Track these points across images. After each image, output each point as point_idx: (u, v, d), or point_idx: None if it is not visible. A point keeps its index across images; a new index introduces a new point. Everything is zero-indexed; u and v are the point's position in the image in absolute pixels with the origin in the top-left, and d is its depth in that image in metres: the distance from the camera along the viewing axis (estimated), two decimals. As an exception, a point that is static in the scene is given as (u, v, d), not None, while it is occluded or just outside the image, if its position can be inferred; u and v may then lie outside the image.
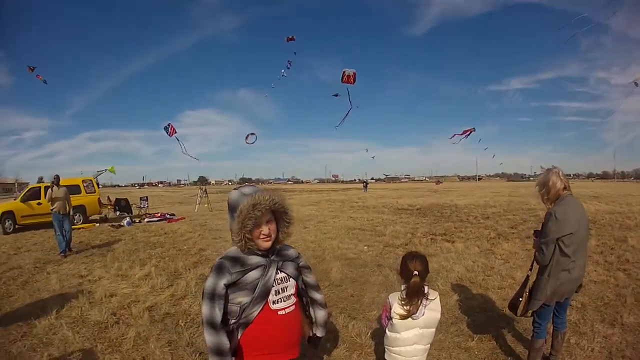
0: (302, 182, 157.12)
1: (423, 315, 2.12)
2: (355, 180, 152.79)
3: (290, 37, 15.81)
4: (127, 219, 13.88)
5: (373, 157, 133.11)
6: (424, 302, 2.13)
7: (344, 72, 12.43)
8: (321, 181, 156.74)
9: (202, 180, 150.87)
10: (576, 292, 2.94)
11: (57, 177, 8.85)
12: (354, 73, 12.47)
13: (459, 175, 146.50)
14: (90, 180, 15.68)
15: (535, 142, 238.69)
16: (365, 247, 8.04)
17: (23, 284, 5.85)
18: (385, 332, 2.25)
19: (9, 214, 12.50)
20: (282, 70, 16.79)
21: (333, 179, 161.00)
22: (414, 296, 2.11)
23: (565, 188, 2.80)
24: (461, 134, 16.99)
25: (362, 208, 18.51)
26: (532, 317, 2.91)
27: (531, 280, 2.92)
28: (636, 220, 11.40)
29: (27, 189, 14.10)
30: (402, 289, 2.17)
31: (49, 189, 8.55)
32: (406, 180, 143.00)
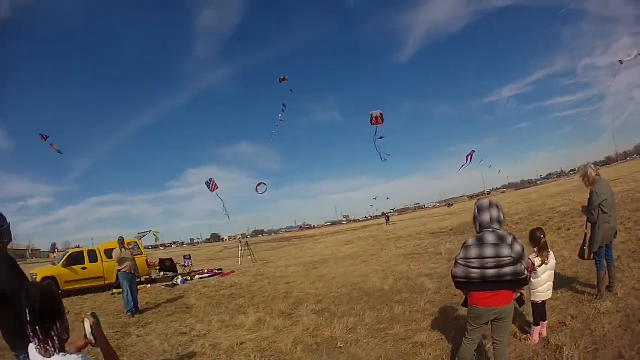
0: (314, 227, 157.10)
1: (549, 261, 3.86)
2: (366, 217, 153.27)
3: (282, 77, 16.00)
4: (180, 277, 14.17)
5: (388, 199, 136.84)
6: (549, 253, 3.88)
7: (372, 114, 13.07)
8: (333, 223, 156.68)
9: (215, 237, 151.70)
10: (614, 237, 4.87)
11: (122, 239, 9.12)
12: (381, 114, 12.66)
13: (467, 195, 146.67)
14: (135, 242, 15.42)
15: (536, 146, 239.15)
16: (433, 265, 9.32)
17: (121, 352, 5.50)
18: (530, 282, 3.80)
19: (51, 279, 12.19)
20: (280, 115, 17.19)
21: (344, 219, 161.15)
22: (544, 250, 3.85)
23: (597, 174, 4.79)
24: (466, 162, 18.00)
25: (398, 239, 19.68)
26: (594, 258, 4.73)
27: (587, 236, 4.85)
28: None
29: (67, 254, 13.83)
30: (534, 250, 3.89)
31: (116, 250, 8.76)
32: (414, 209, 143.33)
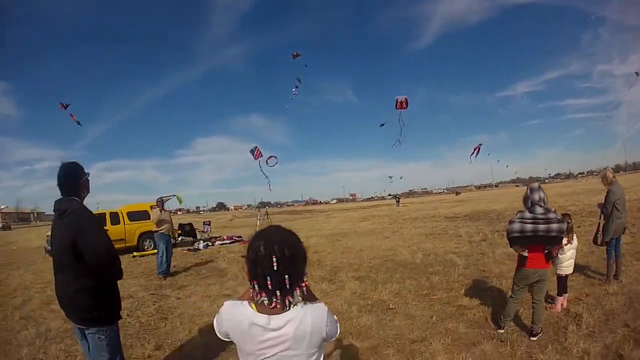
0: (320, 202, 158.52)
1: (573, 242, 4.74)
2: (373, 197, 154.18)
3: (295, 53, 15.65)
4: (202, 242, 14.30)
5: (391, 178, 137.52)
6: (573, 235, 4.74)
7: (397, 99, 13.62)
8: (339, 200, 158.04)
9: (221, 206, 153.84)
10: (623, 232, 5.71)
11: (162, 200, 9.09)
12: (406, 99, 13.25)
13: (474, 185, 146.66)
14: (146, 210, 14.10)
15: (547, 144, 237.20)
16: (455, 245, 10.06)
17: (164, 314, 5.57)
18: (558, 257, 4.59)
19: None
20: (293, 89, 16.56)
21: (351, 197, 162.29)
22: (570, 232, 4.66)
23: (613, 177, 5.66)
24: (473, 153, 18.49)
25: (414, 220, 20.44)
26: (606, 246, 5.62)
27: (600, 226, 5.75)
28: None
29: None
30: None
31: (155, 211, 8.80)
32: (421, 193, 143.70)
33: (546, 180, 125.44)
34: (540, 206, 3.72)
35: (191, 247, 13.73)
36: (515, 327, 4.24)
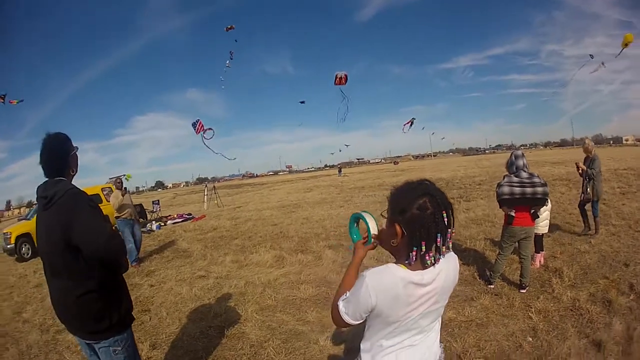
0: (256, 175, 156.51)
1: (548, 204, 4.80)
2: (309, 168, 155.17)
3: (229, 26, 15.80)
4: (154, 223, 14.08)
5: (347, 146, 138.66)
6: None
7: (336, 74, 13.56)
8: (275, 172, 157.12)
9: (159, 185, 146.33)
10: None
11: (122, 180, 8.10)
12: (345, 75, 13.51)
13: (412, 155, 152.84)
14: (110, 187, 13.50)
15: (488, 117, 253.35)
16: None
17: (144, 306, 5.05)
18: None
19: (27, 237, 10.76)
20: (227, 62, 16.63)
21: (287, 169, 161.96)
22: None
23: (593, 146, 6.33)
24: (406, 124, 19.10)
25: (361, 189, 20.80)
26: (592, 206, 6.26)
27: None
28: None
29: (35, 208, 12.14)
30: None
31: (115, 194, 7.69)
32: (358, 163, 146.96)
33: (487, 152, 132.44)
34: (524, 171, 4.05)
35: (144, 229, 12.87)
36: (503, 283, 4.47)
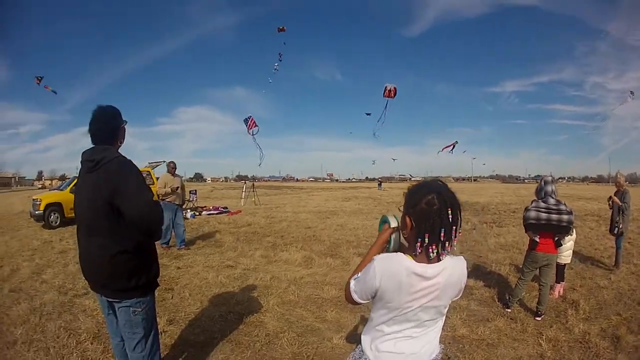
0: (296, 179, 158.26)
1: (572, 234, 4.83)
2: (350, 179, 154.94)
3: (281, 27, 15.90)
4: (189, 212, 14.07)
5: (394, 160, 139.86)
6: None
7: (386, 86, 13.38)
8: (316, 179, 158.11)
9: (198, 177, 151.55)
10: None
11: (174, 164, 8.00)
12: (395, 88, 13.33)
13: (452, 177, 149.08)
14: (148, 171, 13.83)
15: (530, 145, 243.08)
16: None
17: (168, 285, 5.17)
18: None
19: (57, 206, 11.38)
20: (275, 64, 16.92)
21: (328, 177, 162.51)
22: None
23: (625, 180, 6.30)
24: (448, 147, 18.29)
25: (399, 204, 20.17)
26: (618, 238, 6.36)
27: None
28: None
29: (75, 179, 12.00)
30: None
31: (166, 175, 7.76)
32: (398, 179, 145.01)
33: (526, 180, 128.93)
34: (552, 198, 4.10)
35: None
36: (520, 308, 4.50)
